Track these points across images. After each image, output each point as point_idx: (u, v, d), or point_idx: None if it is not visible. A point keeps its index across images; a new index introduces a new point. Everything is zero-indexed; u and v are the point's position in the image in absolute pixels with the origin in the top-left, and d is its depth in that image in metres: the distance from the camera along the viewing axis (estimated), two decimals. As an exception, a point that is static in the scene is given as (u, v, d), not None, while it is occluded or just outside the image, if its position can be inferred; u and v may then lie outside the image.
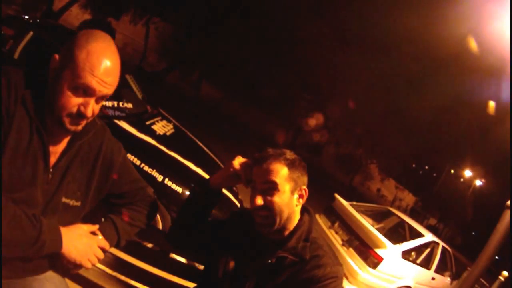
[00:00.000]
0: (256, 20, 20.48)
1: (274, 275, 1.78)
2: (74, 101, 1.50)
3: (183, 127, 6.52)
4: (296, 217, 1.88)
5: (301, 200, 1.86)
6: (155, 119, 5.81)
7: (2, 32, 5.81)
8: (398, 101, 24.87)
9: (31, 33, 5.43)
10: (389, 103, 25.19)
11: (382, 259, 6.74)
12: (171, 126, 6.07)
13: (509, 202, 4.96)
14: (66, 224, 1.68)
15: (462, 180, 41.96)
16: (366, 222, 7.66)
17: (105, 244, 1.81)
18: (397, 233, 9.25)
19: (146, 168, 4.47)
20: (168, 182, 4.53)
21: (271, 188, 1.76)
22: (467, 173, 39.56)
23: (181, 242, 2.17)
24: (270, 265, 1.80)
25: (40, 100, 1.54)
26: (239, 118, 27.76)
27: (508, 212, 4.90)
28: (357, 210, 8.25)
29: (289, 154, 1.84)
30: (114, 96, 4.97)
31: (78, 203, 1.75)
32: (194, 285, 2.21)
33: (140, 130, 5.00)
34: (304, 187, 1.86)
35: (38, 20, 7.15)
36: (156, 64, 26.90)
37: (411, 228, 9.00)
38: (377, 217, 9.56)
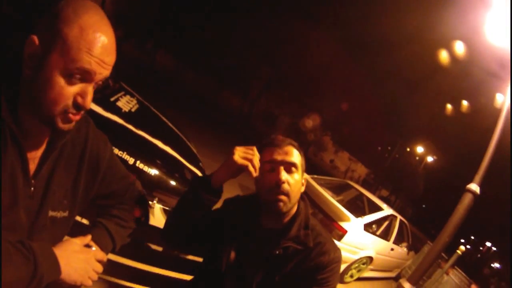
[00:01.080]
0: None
1: (282, 265, 1.79)
2: (69, 91, 1.18)
3: (146, 102, 6.19)
4: (295, 205, 1.88)
5: (302, 188, 1.88)
6: (119, 95, 5.42)
7: None
8: (355, 78, 25.31)
9: None
10: (346, 79, 25.59)
11: (346, 231, 6.91)
12: (135, 101, 5.70)
13: (470, 185, 5.26)
14: (56, 239, 1.44)
15: (417, 158, 43.34)
16: (329, 196, 7.89)
17: (102, 256, 1.58)
18: (356, 206, 9.52)
19: (116, 151, 4.11)
20: (140, 164, 4.28)
21: (291, 167, 1.79)
22: (419, 149, 40.82)
23: (179, 241, 2.01)
24: (276, 256, 1.79)
25: (11, 96, 1.20)
26: (194, 88, 27.45)
27: (468, 195, 5.22)
28: (318, 184, 8.45)
29: (295, 141, 1.90)
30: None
31: (66, 213, 1.47)
32: (183, 276, 2.22)
33: (105, 108, 4.61)
34: (305, 174, 1.89)
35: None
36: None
37: (370, 201, 9.30)
38: (337, 190, 9.72)
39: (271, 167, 1.79)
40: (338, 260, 1.82)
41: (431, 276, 8.71)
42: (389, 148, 45.78)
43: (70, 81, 1.16)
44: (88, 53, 1.15)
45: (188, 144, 5.97)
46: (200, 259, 2.23)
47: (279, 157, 1.78)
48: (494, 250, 70.51)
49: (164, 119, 6.03)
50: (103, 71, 1.22)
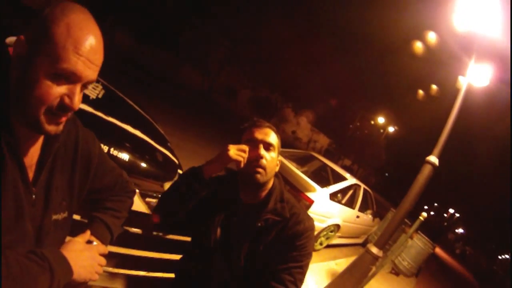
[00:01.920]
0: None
1: (264, 235, 2.01)
2: (55, 92, 1.14)
3: (111, 86, 6.19)
4: (271, 181, 2.12)
5: (277, 168, 2.12)
6: None
7: None
8: (318, 51, 25.43)
9: None
10: (309, 52, 25.67)
11: (313, 201, 7.14)
12: (100, 86, 5.50)
13: (429, 157, 5.60)
14: (59, 240, 1.50)
15: (382, 131, 44.11)
16: (294, 168, 8.12)
17: (104, 250, 1.65)
18: (321, 176, 9.82)
19: None
20: (114, 151, 4.26)
21: (269, 147, 2.04)
22: (381, 120, 41.61)
23: (170, 225, 2.29)
24: (258, 228, 2.02)
25: (2, 105, 1.16)
26: (153, 65, 27.00)
27: (428, 166, 5.56)
28: (283, 156, 8.64)
29: (269, 122, 2.16)
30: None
31: (65, 214, 1.50)
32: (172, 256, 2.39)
33: None
34: (280, 157, 2.15)
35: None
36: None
37: (334, 172, 9.60)
38: (301, 161, 10.05)
39: (252, 144, 2.00)
40: (311, 228, 2.06)
41: (396, 240, 9.08)
42: (357, 123, 46.36)
43: (56, 81, 1.14)
44: (74, 52, 1.13)
45: (155, 126, 6.00)
46: (186, 239, 2.42)
47: (259, 136, 2.03)
48: (457, 216, 72.89)
49: (130, 102, 5.99)
50: (90, 72, 1.20)
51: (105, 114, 4.60)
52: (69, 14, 1.14)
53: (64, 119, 1.23)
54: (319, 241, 8.19)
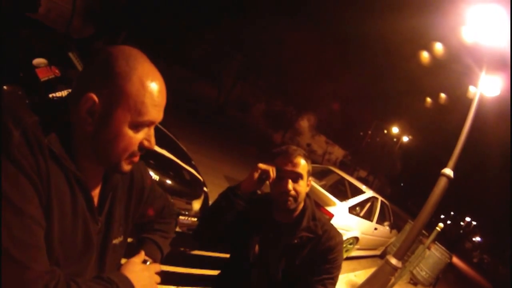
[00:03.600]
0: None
1: (299, 251, 2.21)
2: (136, 140, 1.25)
3: None
4: (302, 202, 2.31)
5: (308, 188, 2.28)
6: None
7: None
8: (332, 64, 25.44)
9: None
10: (321, 64, 25.69)
11: (333, 215, 7.28)
12: None
13: (444, 170, 5.75)
14: (116, 263, 1.58)
15: (395, 140, 43.89)
16: (313, 182, 8.20)
17: (158, 268, 1.72)
18: (339, 190, 9.99)
19: None
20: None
21: (297, 177, 2.19)
22: (395, 129, 41.43)
23: (210, 241, 2.43)
24: (294, 245, 2.21)
25: (66, 142, 1.20)
26: (168, 79, 27.18)
27: (443, 178, 5.73)
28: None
29: (304, 150, 2.32)
30: (64, 82, 4.16)
31: (122, 238, 1.57)
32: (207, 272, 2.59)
33: None
34: (311, 178, 2.31)
35: None
36: (83, 30, 25.74)
37: (351, 185, 9.79)
38: (319, 175, 10.20)
39: (281, 176, 2.19)
40: (341, 242, 2.27)
41: (414, 251, 9.20)
42: (370, 132, 46.16)
43: (137, 130, 1.23)
44: (153, 105, 1.22)
45: (179, 144, 6.12)
46: (223, 255, 2.63)
47: (288, 168, 2.19)
48: (474, 225, 71.64)
49: None
50: (162, 114, 1.30)
51: None
52: (137, 66, 1.20)
53: (138, 157, 1.33)
54: (338, 253, 8.25)
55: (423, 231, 9.14)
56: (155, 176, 4.39)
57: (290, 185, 2.17)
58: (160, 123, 3.81)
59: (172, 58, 26.75)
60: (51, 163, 1.12)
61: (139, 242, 1.81)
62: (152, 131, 1.30)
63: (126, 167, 1.30)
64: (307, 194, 2.35)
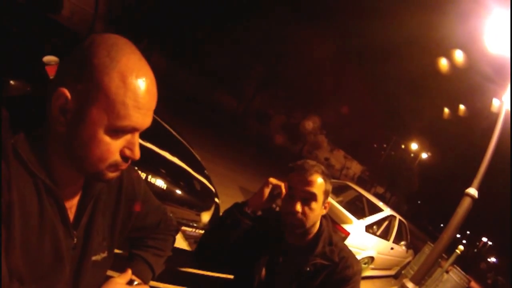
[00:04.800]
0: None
1: (311, 279, 1.94)
2: (115, 148, 1.05)
3: None
4: (317, 224, 2.02)
5: (324, 210, 1.99)
6: None
7: None
8: (351, 78, 25.43)
9: None
10: (342, 79, 25.69)
11: (349, 233, 7.05)
12: None
13: (468, 190, 5.47)
14: (97, 281, 1.37)
15: (412, 155, 43.45)
16: (331, 199, 7.88)
17: None
18: (356, 207, 9.74)
19: None
20: (151, 179, 4.15)
21: (310, 198, 1.89)
22: (414, 146, 41.03)
23: (212, 261, 2.19)
24: (307, 272, 1.94)
25: (38, 145, 1.04)
26: (188, 88, 27.30)
27: (467, 198, 5.44)
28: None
29: (323, 167, 1.99)
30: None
31: (105, 254, 1.37)
32: None
33: None
34: (328, 199, 1.99)
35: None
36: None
37: (369, 202, 9.49)
38: (336, 191, 9.90)
39: (292, 194, 1.92)
40: (360, 272, 1.99)
41: (432, 275, 8.91)
42: (385, 146, 45.87)
43: (115, 137, 1.03)
44: (135, 107, 1.00)
45: (192, 152, 5.93)
46: (228, 276, 2.36)
47: (299, 187, 1.90)
48: (490, 245, 70.74)
49: (167, 126, 5.85)
50: (149, 120, 1.08)
51: (143, 140, 4.44)
52: (119, 58, 0.98)
53: (125, 166, 1.12)
54: (352, 274, 8.00)
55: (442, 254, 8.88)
56: (163, 185, 4.18)
57: (299, 206, 1.88)
58: (175, 129, 3.69)
59: (192, 65, 26.94)
60: (15, 167, 0.97)
61: (129, 259, 1.63)
62: (136, 138, 1.08)
63: (111, 174, 1.09)
64: (325, 215, 2.07)
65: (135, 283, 1.53)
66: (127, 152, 1.07)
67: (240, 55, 25.88)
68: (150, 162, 4.29)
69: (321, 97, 29.61)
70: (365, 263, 8.23)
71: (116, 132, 1.01)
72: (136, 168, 1.61)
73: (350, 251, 2.05)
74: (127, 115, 0.99)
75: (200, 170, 5.41)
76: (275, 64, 27.31)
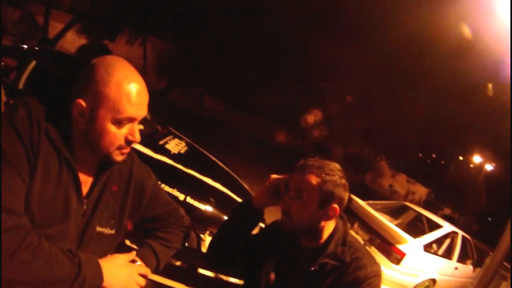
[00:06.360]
0: (250, 29, 20.49)
1: (317, 282, 1.82)
2: (120, 134, 1.48)
3: (195, 144, 6.53)
4: (330, 227, 1.92)
5: (329, 217, 1.86)
6: (167, 138, 5.82)
7: (3, 63, 5.88)
8: (399, 95, 24.98)
9: (34, 62, 5.47)
10: (390, 98, 25.28)
11: (404, 254, 6.77)
12: (183, 144, 6.07)
13: None
14: (101, 253, 1.62)
15: (472, 165, 41.69)
16: (384, 219, 7.74)
17: (146, 271, 1.74)
18: (416, 227, 9.42)
19: (166, 188, 4.36)
20: (190, 200, 4.48)
21: (296, 195, 1.83)
22: (476, 158, 39.31)
23: (222, 262, 2.18)
24: (312, 272, 1.83)
25: (64, 132, 1.49)
26: (244, 128, 27.70)
27: None
28: (374, 209, 8.29)
29: (331, 169, 1.85)
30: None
31: (113, 231, 1.69)
32: None
33: (155, 150, 4.99)
34: (335, 205, 1.83)
35: (37, 49, 7.25)
36: (157, 82, 26.84)
37: (429, 220, 9.13)
38: (395, 213, 9.67)
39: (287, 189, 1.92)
40: (375, 274, 1.82)
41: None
42: (434, 155, 44.24)
43: (119, 126, 1.47)
44: (129, 103, 1.44)
45: (238, 180, 6.16)
46: (237, 281, 2.41)
47: (291, 184, 1.88)
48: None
49: (213, 158, 6.34)
50: (142, 112, 1.52)
51: (185, 166, 5.02)
52: (114, 72, 1.43)
53: (128, 149, 1.58)
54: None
55: (505, 263, 8.29)
56: (199, 205, 4.58)
57: (283, 203, 1.88)
58: (221, 160, 5.02)
59: (244, 107, 27.42)
60: (44, 139, 1.40)
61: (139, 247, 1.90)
62: (135, 126, 1.53)
63: (118, 157, 1.55)
64: (341, 216, 1.96)
65: (138, 263, 1.73)
66: (130, 137, 1.52)
67: (291, 92, 26.08)
68: (191, 186, 4.83)
69: (378, 124, 29.18)
70: (426, 287, 7.80)
71: (119, 123, 1.46)
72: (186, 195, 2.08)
73: (367, 252, 1.94)
74: (124, 110, 1.44)
75: (246, 197, 5.42)
76: (324, 96, 27.31)
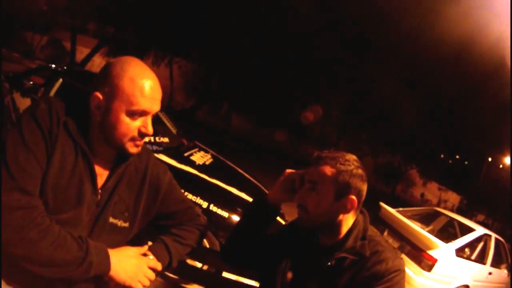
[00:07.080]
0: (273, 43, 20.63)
1: (335, 277, 1.73)
2: (133, 125, 1.57)
3: (221, 156, 6.61)
4: (349, 221, 1.82)
5: (347, 209, 1.77)
6: (193, 151, 5.91)
7: (31, 82, 6.34)
8: (422, 100, 24.72)
9: (60, 79, 5.71)
10: (415, 104, 25.05)
11: (436, 260, 6.63)
12: (209, 156, 6.15)
13: None
14: (114, 245, 1.66)
15: (501, 166, 40.46)
16: (414, 225, 7.55)
17: (156, 265, 1.75)
18: (448, 232, 9.21)
19: (190, 196, 4.41)
20: (213, 208, 4.51)
21: (311, 187, 1.76)
22: (507, 160, 38.18)
23: (237, 260, 2.13)
24: (330, 267, 1.75)
25: (83, 126, 1.60)
26: (271, 144, 27.78)
27: None
28: (404, 216, 8.12)
29: (346, 160, 1.77)
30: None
31: (126, 224, 1.74)
32: None
33: (179, 161, 5.09)
34: (353, 196, 1.74)
35: (65, 68, 7.52)
36: (185, 102, 27.15)
37: (461, 225, 8.91)
38: (426, 219, 9.53)
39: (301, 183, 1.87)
40: (397, 268, 1.68)
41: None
42: (457, 156, 43.17)
43: (133, 118, 1.57)
44: (141, 96, 1.54)
45: (265, 191, 6.08)
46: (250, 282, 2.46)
47: (307, 177, 1.81)
48: None
49: (240, 170, 6.38)
50: (156, 106, 1.62)
51: (209, 177, 5.10)
52: (128, 68, 1.56)
53: (142, 142, 1.65)
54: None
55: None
56: (223, 213, 4.62)
57: (297, 198, 1.81)
58: (247, 172, 5.10)
59: (272, 122, 27.55)
60: (62, 131, 1.52)
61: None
62: (148, 119, 1.61)
63: (132, 149, 1.63)
64: (362, 211, 1.88)
65: (150, 257, 1.76)
66: (143, 129, 1.60)
67: (317, 105, 26.10)
68: (215, 194, 4.88)
69: (406, 132, 28.84)
70: (459, 295, 7.53)
71: (133, 114, 1.56)
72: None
73: (388, 246, 1.80)
74: (137, 102, 1.54)
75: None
76: (350, 108, 27.26)
